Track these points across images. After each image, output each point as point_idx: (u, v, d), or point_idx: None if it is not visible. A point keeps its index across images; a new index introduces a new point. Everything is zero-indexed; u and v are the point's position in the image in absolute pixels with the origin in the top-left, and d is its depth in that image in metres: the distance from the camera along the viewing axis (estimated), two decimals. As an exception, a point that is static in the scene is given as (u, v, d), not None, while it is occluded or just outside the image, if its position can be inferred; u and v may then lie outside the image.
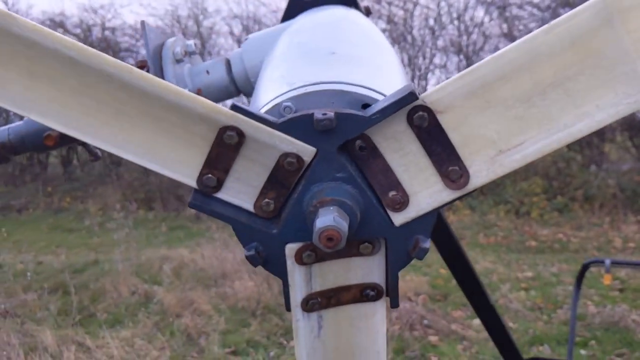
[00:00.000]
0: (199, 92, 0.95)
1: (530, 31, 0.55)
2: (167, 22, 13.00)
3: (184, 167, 0.56)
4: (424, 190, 0.58)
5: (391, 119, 0.55)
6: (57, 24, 12.51)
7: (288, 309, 0.63)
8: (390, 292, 0.63)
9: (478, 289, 1.45)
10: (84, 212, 10.61)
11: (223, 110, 0.53)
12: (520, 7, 10.94)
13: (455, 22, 11.18)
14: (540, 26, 0.54)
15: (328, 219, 0.52)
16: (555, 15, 9.84)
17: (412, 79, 11.22)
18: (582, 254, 6.82)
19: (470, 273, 1.42)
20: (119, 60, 0.52)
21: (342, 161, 0.56)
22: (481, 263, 6.45)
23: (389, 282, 0.63)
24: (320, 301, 0.62)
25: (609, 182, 9.04)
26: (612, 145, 10.53)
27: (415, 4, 11.20)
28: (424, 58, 11.36)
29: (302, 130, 0.55)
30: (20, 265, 6.99)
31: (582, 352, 4.26)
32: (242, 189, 0.58)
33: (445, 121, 0.55)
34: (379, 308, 0.64)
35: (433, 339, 4.54)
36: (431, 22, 11.24)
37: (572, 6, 9.80)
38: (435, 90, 0.55)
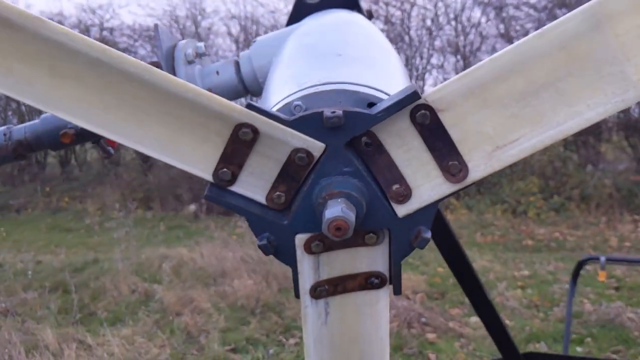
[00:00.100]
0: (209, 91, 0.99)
1: (527, 32, 0.59)
2: (165, 22, 13.03)
3: (200, 162, 0.60)
4: (425, 184, 0.61)
5: (395, 117, 0.59)
6: (55, 24, 12.48)
7: (297, 295, 0.67)
8: (393, 280, 0.67)
9: (477, 286, 1.48)
10: (83, 212, 10.63)
11: (238, 108, 0.57)
12: (517, 7, 10.99)
13: (453, 23, 11.23)
14: (536, 27, 0.58)
15: (336, 209, 0.56)
16: (552, 15, 9.88)
17: (410, 79, 11.23)
18: (578, 252, 6.86)
19: (469, 270, 1.45)
20: (140, 61, 0.56)
21: (349, 156, 0.60)
22: (478, 262, 6.49)
23: (392, 270, 0.66)
24: (328, 288, 0.66)
25: (605, 181, 9.09)
26: (608, 145, 10.60)
27: (413, 5, 11.24)
28: (421, 58, 11.40)
29: (312, 127, 0.58)
30: (20, 264, 7.01)
31: (578, 349, 4.31)
32: (255, 183, 0.61)
33: (445, 119, 0.59)
34: (383, 295, 0.68)
35: (431, 336, 4.58)
36: (428, 22, 11.29)
37: (569, 7, 9.85)
38: (436, 90, 0.59)
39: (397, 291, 0.68)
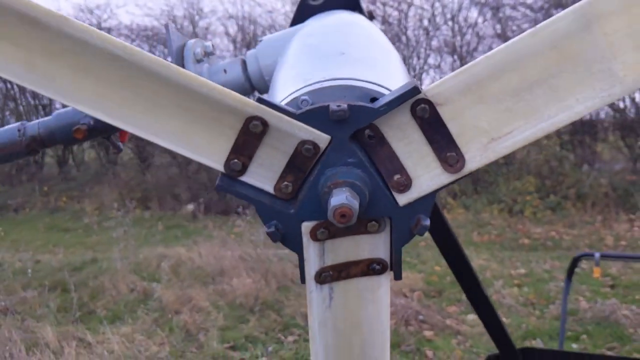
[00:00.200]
0: None
1: (523, 32, 0.62)
2: (162, 22, 13.05)
3: (213, 153, 0.63)
4: (425, 174, 0.65)
5: (396, 111, 0.62)
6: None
7: (303, 281, 0.70)
8: (394, 266, 0.70)
9: (475, 284, 1.51)
10: (80, 212, 10.64)
11: (250, 102, 0.60)
12: (513, 7, 11.04)
13: (449, 23, 11.27)
14: (532, 27, 0.61)
15: (341, 197, 0.59)
16: (548, 16, 9.92)
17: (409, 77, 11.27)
18: (574, 251, 6.91)
19: (467, 268, 1.47)
20: (158, 57, 0.59)
21: (353, 148, 0.63)
22: (475, 260, 6.53)
23: (393, 257, 0.69)
24: (332, 274, 0.69)
25: (601, 181, 9.15)
26: (604, 145, 10.64)
27: (410, 5, 11.28)
28: (419, 58, 11.45)
29: (318, 120, 0.61)
30: (19, 263, 7.03)
31: (574, 345, 4.35)
32: (264, 173, 0.64)
33: (444, 113, 0.62)
34: (384, 281, 0.71)
35: (428, 333, 4.62)
36: (425, 22, 11.33)
37: (565, 7, 9.87)
38: (435, 85, 0.62)
39: (398, 276, 0.72)
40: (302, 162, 0.64)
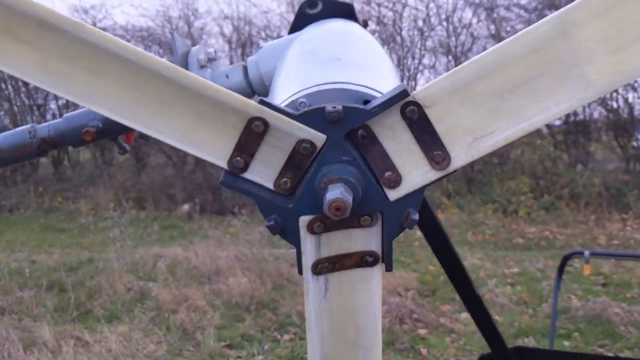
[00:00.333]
0: None
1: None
2: (158, 22, 13.07)
3: (217, 151, 0.68)
4: (414, 171, 0.69)
5: (387, 112, 0.67)
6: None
7: (300, 272, 0.75)
8: (385, 258, 0.75)
9: (467, 283, 1.54)
10: (76, 212, 10.65)
11: (252, 103, 0.65)
12: (507, 8, 11.11)
13: (444, 24, 11.33)
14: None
15: (336, 192, 0.64)
16: (542, 16, 9.96)
17: (402, 79, 11.35)
18: (567, 250, 6.97)
19: (459, 268, 1.50)
20: (167, 61, 0.64)
21: (347, 147, 0.68)
22: (469, 260, 6.59)
23: (384, 249, 0.74)
24: (327, 266, 0.73)
25: (594, 181, 9.22)
26: (598, 145, 10.72)
27: (404, 5, 11.34)
28: (413, 59, 11.50)
29: (315, 120, 0.66)
30: (15, 263, 7.04)
31: (565, 343, 4.41)
32: (264, 170, 0.69)
33: (431, 114, 0.67)
34: (376, 273, 0.76)
35: (422, 331, 4.67)
36: (420, 23, 11.39)
37: (558, 8, 9.94)
38: (423, 89, 0.67)
39: (389, 268, 0.76)
40: (300, 160, 0.68)
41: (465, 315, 4.80)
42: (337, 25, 1.11)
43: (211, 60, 1.10)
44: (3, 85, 12.91)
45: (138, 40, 12.81)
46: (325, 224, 0.71)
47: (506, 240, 7.75)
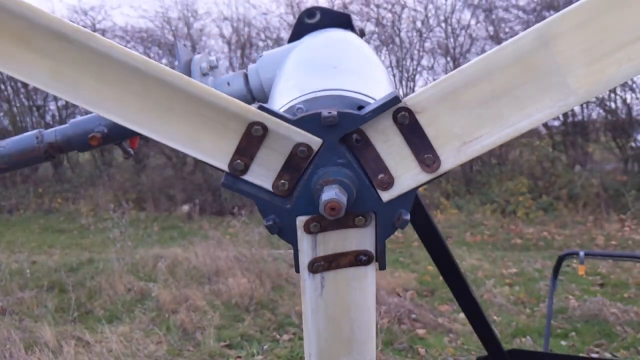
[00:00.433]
0: None
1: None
2: (157, 24, 13.10)
3: (218, 154, 0.71)
4: (405, 173, 0.73)
5: (380, 118, 0.70)
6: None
7: (297, 270, 0.78)
8: (378, 257, 0.78)
9: (463, 286, 1.56)
10: (75, 213, 10.69)
11: (252, 109, 0.69)
12: (506, 9, 11.15)
13: (443, 25, 11.37)
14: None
15: (331, 193, 0.67)
16: (541, 17, 10.04)
17: (400, 81, 11.39)
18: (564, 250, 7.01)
19: (455, 272, 1.53)
20: (172, 70, 0.68)
21: (342, 150, 0.71)
22: (467, 260, 6.63)
23: (378, 249, 0.77)
24: (323, 264, 0.76)
25: (592, 181, 9.26)
26: (596, 146, 10.76)
27: (403, 7, 11.38)
28: (412, 60, 11.54)
29: (312, 125, 0.70)
30: (15, 264, 7.07)
31: (563, 342, 4.45)
32: (263, 172, 0.73)
33: (422, 119, 0.71)
34: (370, 271, 0.79)
35: (420, 331, 4.71)
36: (419, 24, 11.43)
37: (556, 9, 10.01)
38: (414, 95, 0.71)
39: (382, 267, 0.80)
40: (297, 163, 0.72)
41: (463, 316, 4.81)
42: (334, 35, 1.15)
43: (213, 68, 1.14)
44: (2, 87, 12.95)
45: (137, 42, 12.85)
46: (321, 224, 0.74)
47: (504, 241, 7.79)
